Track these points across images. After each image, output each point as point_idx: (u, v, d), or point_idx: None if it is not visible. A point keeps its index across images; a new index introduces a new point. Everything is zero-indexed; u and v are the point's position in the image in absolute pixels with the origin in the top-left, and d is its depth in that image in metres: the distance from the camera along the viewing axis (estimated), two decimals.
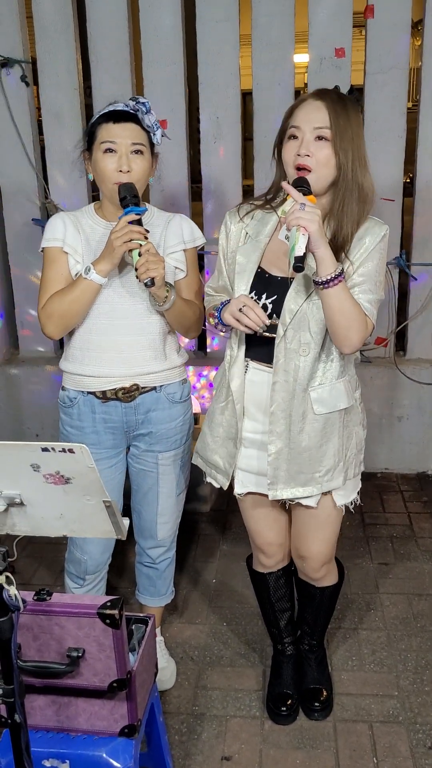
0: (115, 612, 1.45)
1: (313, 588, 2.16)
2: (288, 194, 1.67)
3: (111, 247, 1.84)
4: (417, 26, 3.62)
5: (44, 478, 1.23)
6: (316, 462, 1.89)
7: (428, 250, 3.36)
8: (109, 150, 1.88)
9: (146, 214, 1.97)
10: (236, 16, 3.17)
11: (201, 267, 3.58)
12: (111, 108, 1.93)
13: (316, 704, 2.21)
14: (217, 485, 2.02)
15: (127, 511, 2.29)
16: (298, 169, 1.71)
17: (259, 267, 1.83)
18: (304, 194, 1.65)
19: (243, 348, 1.87)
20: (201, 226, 3.49)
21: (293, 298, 1.77)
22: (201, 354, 3.74)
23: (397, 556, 2.99)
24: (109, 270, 1.88)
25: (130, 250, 1.82)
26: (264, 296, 1.81)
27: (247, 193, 3.48)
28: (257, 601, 2.31)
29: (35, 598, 1.48)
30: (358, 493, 2.05)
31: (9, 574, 1.23)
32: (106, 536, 1.32)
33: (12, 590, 1.23)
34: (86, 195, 3.45)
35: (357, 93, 1.82)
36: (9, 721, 1.32)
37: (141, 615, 1.75)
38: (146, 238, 1.82)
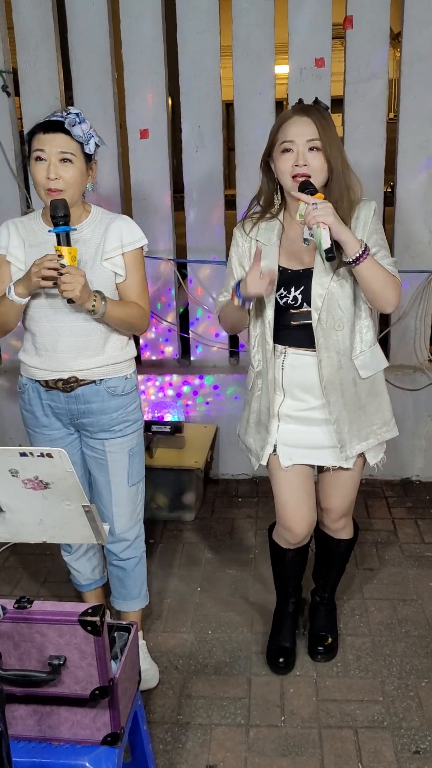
0: (96, 619, 1.44)
1: (331, 539, 2.40)
2: (299, 200, 1.89)
3: (29, 277, 1.97)
4: (397, 37, 3.67)
5: (23, 484, 1.22)
6: (372, 416, 2.16)
7: (409, 258, 3.39)
8: (39, 158, 1.99)
9: (88, 219, 2.11)
10: (217, 27, 3.20)
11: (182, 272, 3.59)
12: (45, 119, 2.03)
13: (320, 648, 2.44)
14: (253, 464, 2.28)
15: None
16: (295, 177, 1.94)
17: (279, 266, 2.05)
18: (312, 194, 1.88)
19: (271, 341, 2.09)
20: (183, 236, 3.54)
21: (319, 283, 2.02)
22: (185, 362, 3.74)
23: (382, 561, 2.99)
24: (26, 294, 2.01)
25: (50, 278, 1.93)
26: (292, 289, 2.05)
27: (230, 202, 3.50)
28: (271, 565, 2.47)
29: (16, 606, 1.47)
30: (384, 452, 2.29)
31: None
32: (86, 541, 1.32)
33: None
34: None
35: (324, 104, 2.02)
36: None
37: (123, 623, 1.74)
38: (61, 272, 1.91)
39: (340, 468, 2.21)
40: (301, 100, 2.06)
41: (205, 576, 2.94)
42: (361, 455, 2.22)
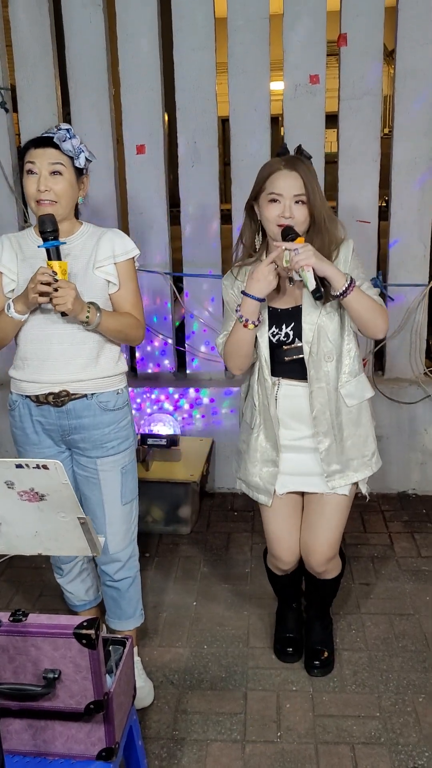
0: (92, 632, 1.44)
1: (316, 579, 2.41)
2: (298, 238, 1.99)
3: (27, 294, 1.99)
4: (391, 54, 3.71)
5: (19, 496, 1.22)
6: (361, 447, 2.24)
7: (404, 271, 3.41)
8: (30, 171, 2.04)
9: (78, 233, 2.14)
10: (212, 45, 3.23)
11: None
12: (36, 135, 2.09)
13: (316, 662, 2.45)
14: (262, 504, 2.33)
15: None
16: (279, 225, 2.05)
17: (269, 307, 2.16)
18: (294, 239, 1.99)
19: (269, 377, 2.19)
20: (179, 250, 3.56)
21: (309, 319, 2.12)
22: (181, 375, 3.75)
23: (379, 576, 2.98)
24: (25, 310, 2.04)
25: (45, 294, 1.96)
26: (283, 326, 2.15)
27: (225, 216, 3.52)
28: (268, 580, 2.58)
29: (11, 618, 1.47)
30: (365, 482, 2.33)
31: None
32: (81, 554, 1.31)
33: None
34: None
35: (309, 154, 2.13)
36: None
37: (118, 636, 1.73)
38: (55, 288, 1.94)
39: (334, 493, 2.25)
40: (285, 148, 2.19)
41: (201, 590, 2.92)
42: (355, 484, 2.28)
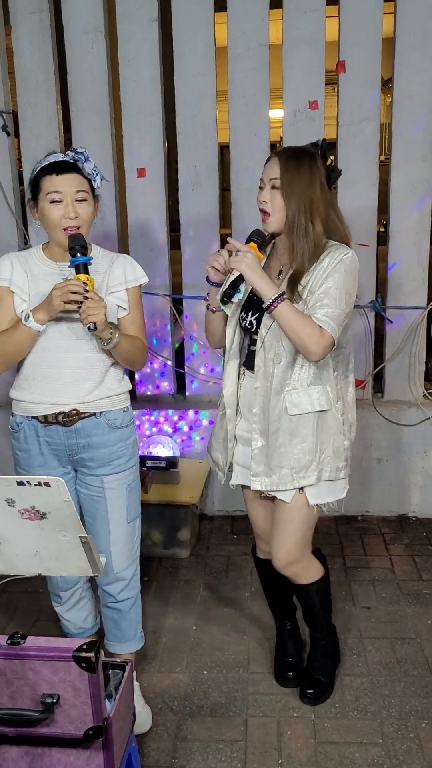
0: (91, 655, 1.41)
1: (295, 585, 2.36)
2: (250, 243, 2.01)
3: (50, 302, 1.97)
4: (387, 84, 3.77)
5: (20, 514, 1.21)
6: (291, 458, 2.13)
7: (403, 294, 3.42)
8: (54, 201, 2.02)
9: (90, 255, 2.11)
10: (213, 71, 3.28)
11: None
12: (51, 159, 2.06)
13: (309, 691, 2.39)
14: (220, 478, 2.33)
15: None
16: (261, 212, 2.05)
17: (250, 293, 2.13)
18: (247, 242, 2.00)
19: (234, 360, 2.20)
20: (179, 274, 3.57)
21: (267, 316, 2.05)
22: (180, 397, 3.74)
23: (379, 599, 2.95)
24: (45, 319, 2.01)
25: (74, 302, 1.94)
26: (250, 314, 2.15)
27: (225, 242, 3.53)
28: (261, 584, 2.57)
29: (8, 642, 1.44)
30: (337, 501, 2.25)
31: None
32: (82, 573, 1.30)
33: None
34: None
35: (324, 144, 2.05)
36: None
37: (118, 660, 1.71)
38: (86, 296, 1.93)
39: (281, 501, 2.19)
40: (323, 142, 2.13)
41: (201, 614, 2.89)
42: (302, 494, 2.16)
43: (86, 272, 1.98)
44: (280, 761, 2.17)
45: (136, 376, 3.70)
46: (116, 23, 3.28)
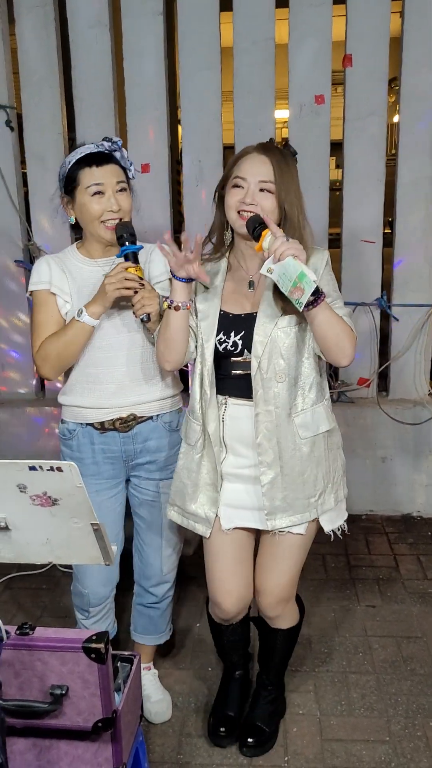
0: (101, 646, 1.39)
1: (268, 628, 2.15)
2: (264, 231, 1.72)
3: (104, 292, 1.89)
4: (392, 83, 3.75)
5: (31, 500, 1.19)
6: (309, 486, 1.94)
7: (409, 292, 3.41)
8: (98, 193, 1.95)
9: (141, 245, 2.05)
10: (218, 65, 3.26)
11: None
12: (86, 151, 1.98)
13: (250, 740, 2.16)
14: (203, 533, 2.03)
15: (127, 556, 2.27)
16: (240, 213, 1.82)
17: (221, 310, 1.92)
18: (261, 231, 1.73)
19: (214, 389, 1.92)
20: None
21: (262, 330, 1.85)
22: (184, 395, 3.71)
23: (384, 598, 2.93)
24: (100, 312, 1.93)
25: (129, 289, 1.87)
26: (232, 334, 1.89)
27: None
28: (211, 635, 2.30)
29: (17, 632, 1.42)
30: (345, 521, 2.07)
31: None
32: (93, 562, 1.27)
33: None
34: (69, 237, 3.47)
35: (294, 150, 1.91)
36: None
37: (126, 653, 1.68)
38: (142, 283, 1.87)
39: (289, 532, 1.97)
40: (272, 140, 1.97)
41: (204, 612, 2.86)
42: (315, 521, 1.99)
43: (136, 261, 1.91)
44: (286, 758, 2.14)
45: None
46: (121, 17, 3.26)
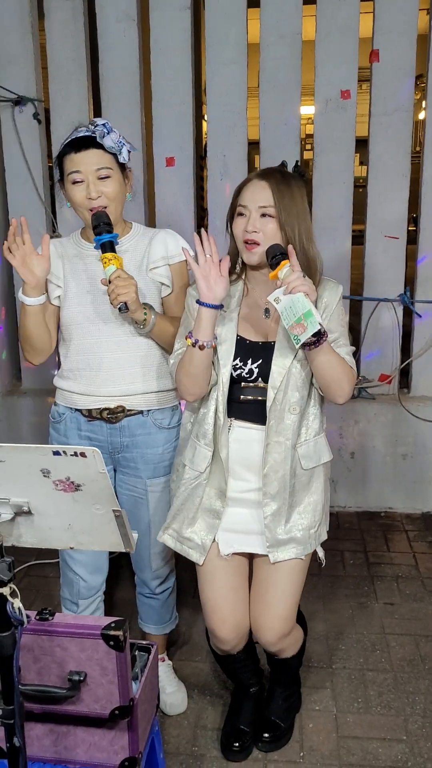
0: (120, 633, 1.40)
1: (274, 660, 2.15)
2: (284, 261, 1.72)
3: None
4: (419, 80, 3.72)
5: (54, 485, 1.19)
6: (309, 517, 1.96)
7: None
8: (75, 181, 1.90)
9: (130, 234, 2.04)
10: (244, 59, 3.25)
11: None
12: (73, 136, 1.93)
13: (266, 735, 2.15)
14: (197, 560, 1.98)
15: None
16: (246, 243, 1.82)
17: (237, 336, 1.89)
18: (280, 261, 1.72)
19: (226, 414, 1.89)
20: None
21: (280, 361, 1.85)
22: None
23: (403, 596, 2.91)
24: (30, 289, 1.89)
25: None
26: (249, 361, 1.88)
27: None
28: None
29: (37, 617, 1.43)
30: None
31: (14, 586, 1.19)
32: (114, 549, 1.28)
33: (17, 603, 1.18)
34: None
35: (303, 169, 1.90)
36: (7, 745, 1.25)
37: (143, 642, 1.69)
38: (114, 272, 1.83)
39: (282, 562, 1.95)
40: (283, 163, 1.95)
41: None
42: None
43: (112, 250, 1.86)
44: (301, 754, 2.14)
45: None
46: (149, 12, 3.27)
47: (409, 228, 3.42)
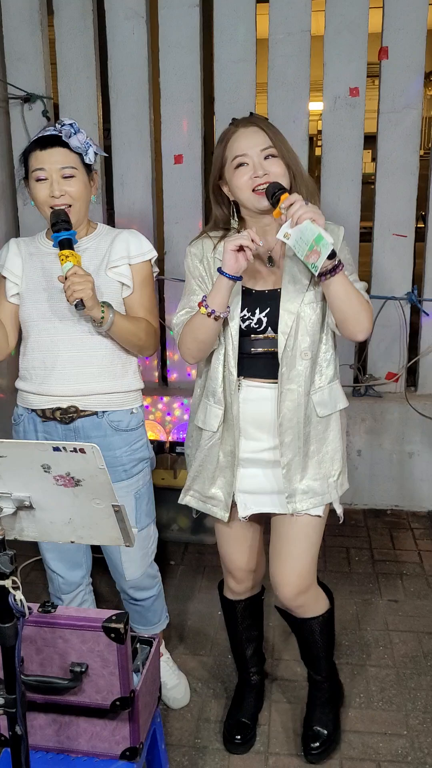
0: (121, 626, 1.42)
1: (294, 619, 2.09)
2: (283, 196, 1.69)
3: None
4: (428, 76, 3.71)
5: (54, 480, 1.22)
6: (327, 466, 1.94)
7: None
8: (39, 179, 1.89)
9: (94, 233, 2.02)
10: (253, 57, 3.26)
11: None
12: (40, 134, 1.93)
13: (313, 745, 2.11)
14: (222, 517, 1.98)
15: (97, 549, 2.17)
16: (256, 190, 1.77)
17: (243, 287, 1.87)
18: (278, 198, 1.70)
19: (236, 369, 1.87)
20: None
21: (289, 305, 1.82)
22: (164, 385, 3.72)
23: (407, 593, 2.92)
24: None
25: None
26: (257, 311, 1.85)
27: None
28: (226, 629, 2.28)
29: (40, 609, 1.46)
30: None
31: (16, 579, 1.21)
32: (114, 543, 1.30)
33: (18, 595, 1.21)
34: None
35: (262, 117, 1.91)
36: (9, 733, 1.28)
37: (145, 636, 1.72)
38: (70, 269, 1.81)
39: (306, 514, 1.93)
40: (251, 113, 1.95)
41: None
42: (328, 505, 1.97)
43: (70, 248, 1.83)
44: (303, 747, 2.16)
45: (168, 363, 3.71)
46: (158, 9, 3.28)
47: (418, 226, 3.42)
